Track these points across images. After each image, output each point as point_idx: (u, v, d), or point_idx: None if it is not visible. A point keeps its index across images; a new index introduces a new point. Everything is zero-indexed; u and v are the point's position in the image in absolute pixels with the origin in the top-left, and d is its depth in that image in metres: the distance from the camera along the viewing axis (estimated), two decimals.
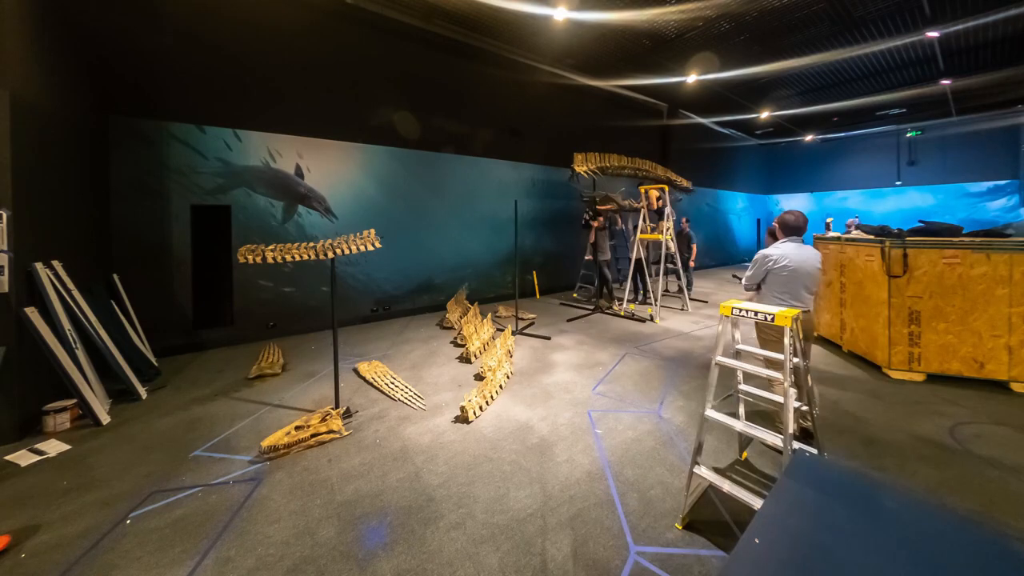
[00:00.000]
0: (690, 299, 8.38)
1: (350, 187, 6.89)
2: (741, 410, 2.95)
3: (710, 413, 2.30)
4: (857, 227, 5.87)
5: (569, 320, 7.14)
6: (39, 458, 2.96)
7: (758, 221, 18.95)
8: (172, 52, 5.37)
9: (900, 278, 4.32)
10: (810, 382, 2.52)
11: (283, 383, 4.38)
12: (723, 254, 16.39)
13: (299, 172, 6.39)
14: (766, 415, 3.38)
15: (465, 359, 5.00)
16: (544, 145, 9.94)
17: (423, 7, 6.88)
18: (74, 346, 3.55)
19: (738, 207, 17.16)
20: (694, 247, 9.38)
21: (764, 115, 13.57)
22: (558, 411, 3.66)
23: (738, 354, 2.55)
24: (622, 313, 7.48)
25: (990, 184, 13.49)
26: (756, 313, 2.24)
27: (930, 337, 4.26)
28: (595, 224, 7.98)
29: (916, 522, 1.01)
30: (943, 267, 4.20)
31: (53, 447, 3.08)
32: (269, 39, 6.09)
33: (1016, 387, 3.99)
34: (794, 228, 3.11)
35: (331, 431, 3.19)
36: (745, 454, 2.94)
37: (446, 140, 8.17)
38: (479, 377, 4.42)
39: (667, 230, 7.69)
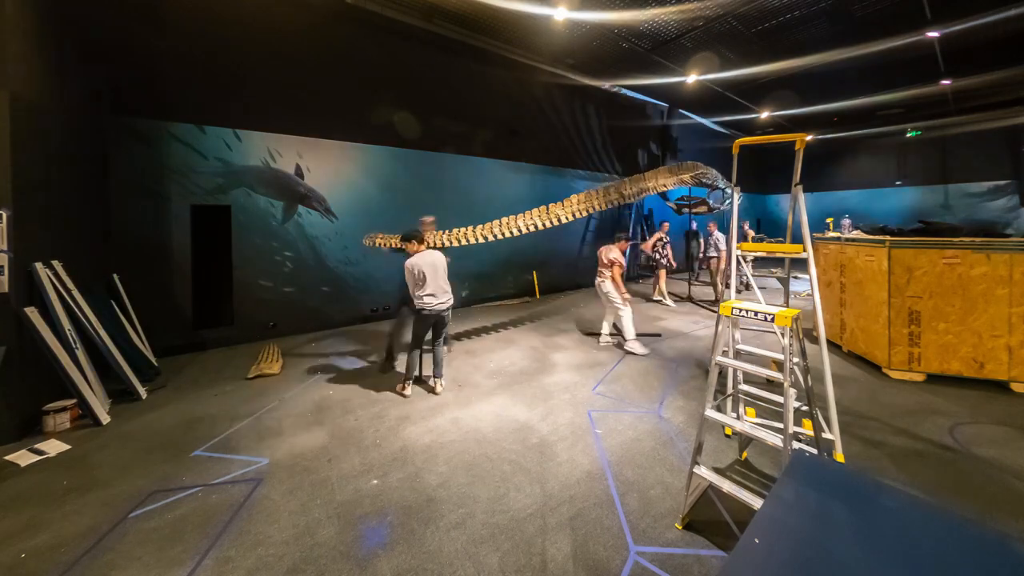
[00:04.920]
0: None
1: (350, 187, 6.89)
2: (741, 410, 2.95)
3: (710, 413, 2.30)
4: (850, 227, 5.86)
5: None
6: (39, 458, 2.96)
7: (758, 221, 18.97)
8: (172, 52, 5.36)
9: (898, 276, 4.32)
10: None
11: (283, 383, 4.37)
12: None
13: (299, 172, 6.39)
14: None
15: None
16: (544, 145, 9.94)
17: (423, 7, 6.87)
18: (74, 346, 3.55)
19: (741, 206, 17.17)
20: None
21: (764, 115, 13.56)
22: (558, 411, 3.65)
23: (738, 354, 2.56)
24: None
25: (990, 184, 13.48)
26: (756, 313, 2.24)
27: (930, 337, 4.26)
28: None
29: (916, 522, 1.01)
30: (943, 267, 4.20)
31: (53, 447, 3.08)
32: (269, 39, 6.08)
33: (1016, 387, 3.99)
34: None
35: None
36: (745, 454, 2.94)
37: (446, 140, 8.17)
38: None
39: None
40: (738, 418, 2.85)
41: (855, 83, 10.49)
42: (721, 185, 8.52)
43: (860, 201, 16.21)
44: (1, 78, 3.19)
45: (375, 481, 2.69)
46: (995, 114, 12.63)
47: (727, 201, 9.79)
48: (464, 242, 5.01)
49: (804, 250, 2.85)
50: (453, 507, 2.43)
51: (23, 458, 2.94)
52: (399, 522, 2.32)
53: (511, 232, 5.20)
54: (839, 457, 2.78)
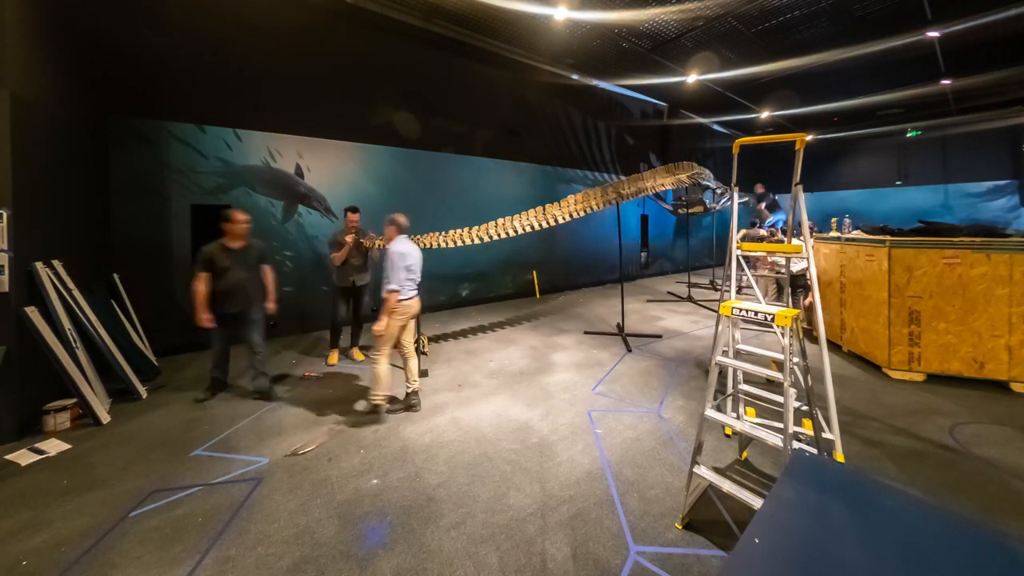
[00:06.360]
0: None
1: (350, 187, 6.89)
2: (741, 410, 2.95)
3: (710, 413, 2.30)
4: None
5: None
6: (39, 457, 2.96)
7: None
8: (172, 52, 5.36)
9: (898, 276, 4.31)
10: None
11: (284, 382, 4.38)
12: (722, 253, 16.50)
13: (299, 172, 6.39)
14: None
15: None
16: (544, 145, 9.94)
17: (423, 7, 6.87)
18: (74, 346, 3.55)
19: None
20: None
21: (764, 115, 13.56)
22: (558, 411, 3.65)
23: (738, 354, 2.56)
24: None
25: (990, 184, 13.47)
26: (756, 313, 2.24)
27: (930, 337, 4.26)
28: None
29: (916, 522, 1.01)
30: (943, 267, 4.20)
31: (53, 446, 3.08)
32: (269, 39, 6.08)
33: (1016, 387, 3.99)
34: (406, 228, 3.81)
35: None
36: (745, 454, 2.94)
37: (446, 140, 8.17)
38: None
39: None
40: (738, 418, 2.85)
41: (855, 83, 10.49)
42: (712, 185, 8.57)
43: (860, 201, 16.18)
44: (1, 78, 3.19)
45: (375, 480, 2.69)
46: (995, 114, 12.62)
47: (722, 201, 9.88)
48: (460, 243, 5.01)
49: (804, 250, 2.84)
50: (453, 507, 2.43)
51: (23, 457, 2.94)
52: (399, 521, 2.32)
53: (507, 233, 5.22)
54: (839, 457, 2.78)
